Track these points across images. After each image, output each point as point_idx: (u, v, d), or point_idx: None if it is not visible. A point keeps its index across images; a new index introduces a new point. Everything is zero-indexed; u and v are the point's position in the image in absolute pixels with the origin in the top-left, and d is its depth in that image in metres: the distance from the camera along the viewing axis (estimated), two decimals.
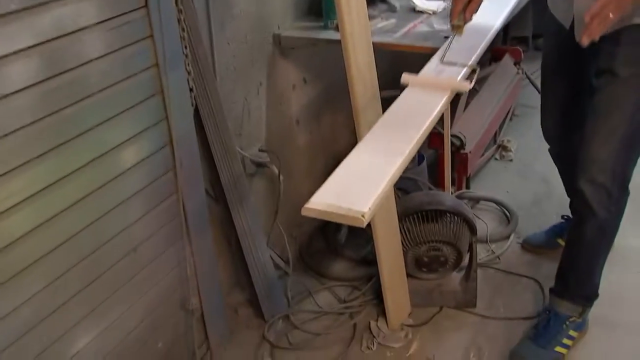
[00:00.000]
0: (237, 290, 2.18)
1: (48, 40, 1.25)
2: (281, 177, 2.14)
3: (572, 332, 1.91)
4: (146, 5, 1.47)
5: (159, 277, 1.68)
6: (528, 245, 2.36)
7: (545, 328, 1.92)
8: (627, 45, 1.62)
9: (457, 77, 1.55)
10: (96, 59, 1.36)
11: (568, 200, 2.11)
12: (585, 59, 1.75)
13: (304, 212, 1.13)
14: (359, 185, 1.16)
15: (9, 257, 1.26)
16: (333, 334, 2.02)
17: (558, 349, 1.89)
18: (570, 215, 2.29)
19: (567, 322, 1.92)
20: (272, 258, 2.20)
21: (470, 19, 1.59)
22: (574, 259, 1.90)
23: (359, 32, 1.71)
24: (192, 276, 1.79)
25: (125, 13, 1.42)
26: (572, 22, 1.73)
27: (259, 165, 2.12)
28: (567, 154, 2.02)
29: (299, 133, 2.44)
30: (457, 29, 1.61)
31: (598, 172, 1.71)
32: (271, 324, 2.04)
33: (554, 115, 2.06)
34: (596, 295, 1.93)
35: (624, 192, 1.80)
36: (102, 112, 1.41)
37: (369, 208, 1.09)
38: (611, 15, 1.38)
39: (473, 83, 1.51)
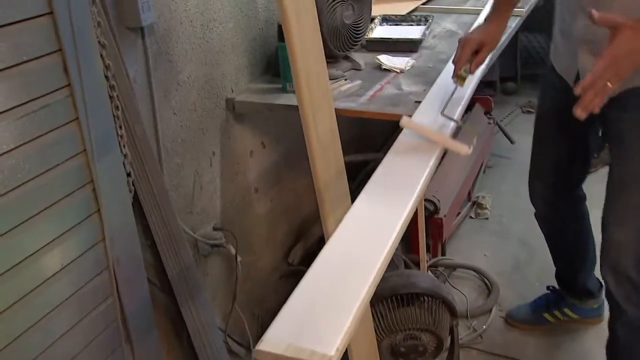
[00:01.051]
0: None
1: None
2: (239, 259, 1.92)
3: None
4: (69, 84, 1.25)
5: None
6: (512, 321, 2.17)
7: None
8: (635, 110, 1.45)
9: (449, 134, 1.46)
10: (4, 153, 1.13)
11: (551, 265, 1.93)
12: (589, 119, 1.57)
13: (255, 356, 0.90)
14: (325, 313, 0.94)
15: None
16: None
17: None
18: (556, 286, 2.11)
19: None
20: (231, 348, 1.96)
21: (474, 72, 1.55)
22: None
23: (319, 99, 1.52)
24: None
25: (42, 96, 1.19)
26: (577, 77, 1.56)
27: (214, 245, 1.89)
28: (556, 220, 1.84)
29: (258, 202, 2.22)
30: (460, 80, 1.55)
31: (619, 257, 1.52)
32: None
33: (546, 177, 1.89)
34: None
35: None
36: (13, 216, 1.17)
37: (337, 349, 0.87)
38: (610, 85, 1.18)
39: (472, 149, 1.40)
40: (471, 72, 1.53)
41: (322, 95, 1.54)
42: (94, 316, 1.40)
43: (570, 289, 2.10)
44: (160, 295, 1.68)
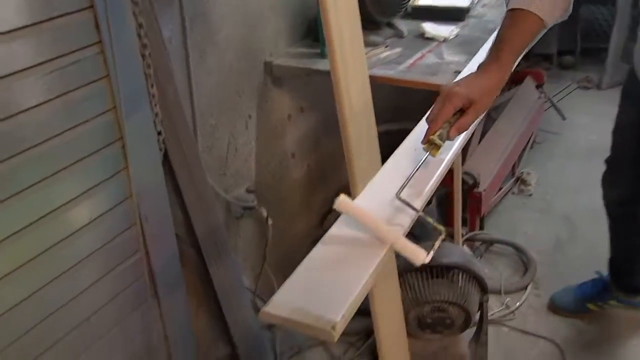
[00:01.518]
0: (221, 344, 1.96)
1: None
2: (270, 222, 1.93)
3: None
4: (100, 41, 1.26)
5: (119, 348, 1.47)
6: (554, 307, 2.10)
7: None
8: None
9: (403, 231, 1.04)
10: (32, 107, 1.15)
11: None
12: None
13: (261, 317, 0.91)
14: (335, 281, 0.93)
15: None
16: None
17: None
18: (603, 273, 2.03)
19: None
20: (260, 308, 1.99)
21: (453, 138, 1.12)
22: None
23: (353, 66, 1.48)
24: (160, 342, 1.58)
25: (73, 52, 1.21)
26: None
27: (246, 208, 1.91)
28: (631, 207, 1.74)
29: (294, 167, 2.22)
30: (432, 148, 1.09)
31: None
32: None
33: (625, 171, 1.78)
34: None
35: None
36: (42, 168, 1.20)
37: (343, 316, 0.86)
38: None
39: (430, 256, 0.97)
40: (449, 138, 1.10)
41: (356, 61, 1.50)
42: (122, 270, 1.44)
43: (621, 282, 2.01)
44: (189, 253, 1.70)
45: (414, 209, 1.05)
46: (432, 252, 0.96)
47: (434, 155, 1.11)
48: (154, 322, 1.54)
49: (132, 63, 1.34)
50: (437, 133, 1.09)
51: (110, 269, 1.41)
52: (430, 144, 1.09)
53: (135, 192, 1.39)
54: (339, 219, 1.08)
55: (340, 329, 0.84)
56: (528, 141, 2.92)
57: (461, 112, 1.11)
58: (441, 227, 1.02)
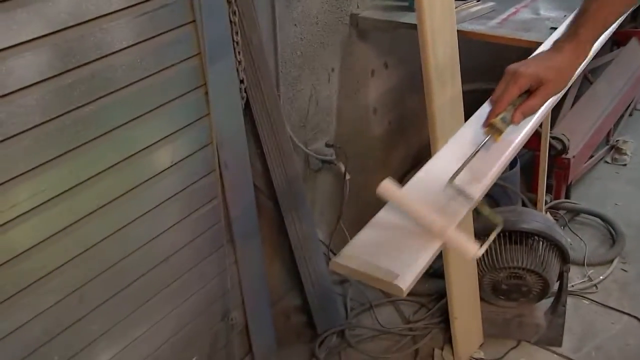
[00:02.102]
0: (292, 295, 1.99)
1: (62, 29, 1.08)
2: (347, 177, 1.91)
3: None
4: None
5: (195, 288, 1.52)
6: None
7: None
8: None
9: (455, 221, 0.92)
10: (122, 49, 1.18)
11: None
12: None
13: (331, 267, 0.91)
14: (408, 237, 0.91)
15: (16, 269, 1.13)
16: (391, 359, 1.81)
17: None
18: None
19: None
20: (330, 260, 2.00)
21: (518, 123, 0.99)
22: None
23: (440, 19, 1.43)
24: (234, 286, 1.62)
25: None
26: None
27: (325, 162, 1.90)
28: None
29: (375, 123, 2.19)
30: (494, 132, 0.99)
31: None
32: (324, 340, 1.85)
33: None
34: None
35: None
36: (129, 110, 1.24)
37: (412, 272, 0.85)
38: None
39: (483, 250, 0.88)
40: (513, 122, 0.98)
41: (444, 14, 1.45)
42: (200, 214, 1.48)
43: None
44: (267, 203, 1.73)
45: (469, 197, 0.95)
46: (484, 247, 0.88)
47: (496, 140, 1.00)
48: (229, 267, 1.59)
49: (217, 9, 1.35)
50: (500, 116, 0.97)
51: (190, 213, 1.45)
52: (492, 128, 0.98)
53: (216, 139, 1.42)
54: (430, 160, 1.02)
55: (408, 285, 0.83)
56: (628, 107, 2.74)
57: (529, 93, 0.99)
58: (499, 219, 0.95)
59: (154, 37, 1.23)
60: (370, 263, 0.87)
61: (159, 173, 1.34)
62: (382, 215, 0.96)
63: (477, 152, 1.00)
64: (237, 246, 1.60)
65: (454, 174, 0.97)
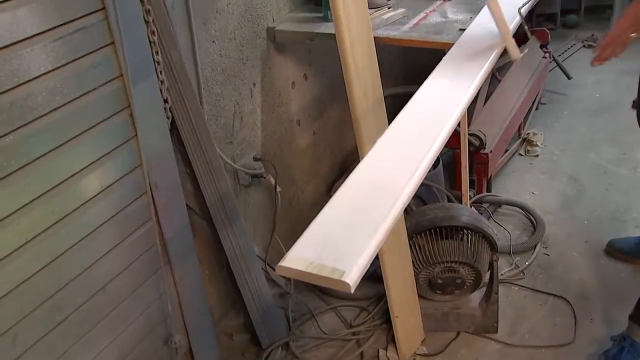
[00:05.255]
0: (234, 312, 1.98)
1: None
2: (278, 189, 1.93)
3: None
4: (104, 8, 1.25)
5: (135, 315, 1.48)
6: (611, 249, 2.13)
7: (616, 357, 1.70)
8: None
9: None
10: (41, 75, 1.15)
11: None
12: None
13: (278, 272, 0.91)
14: (350, 234, 0.94)
15: None
16: None
17: None
18: None
19: None
20: (271, 276, 2.00)
21: None
22: None
23: (357, 27, 1.47)
24: (175, 309, 1.60)
25: (78, 18, 1.20)
26: None
27: (254, 176, 1.91)
28: None
29: (300, 134, 2.22)
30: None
31: None
32: (269, 354, 1.84)
33: None
34: None
35: None
36: (52, 138, 1.20)
37: (358, 266, 0.87)
38: (634, 35, 1.36)
39: (523, 54, 1.42)
40: None
41: (360, 22, 1.49)
42: (135, 238, 1.45)
43: None
44: (200, 222, 1.71)
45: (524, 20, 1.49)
46: (524, 54, 1.42)
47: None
48: (168, 290, 1.56)
49: (136, 29, 1.33)
50: None
51: (124, 238, 1.42)
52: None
53: (145, 160, 1.40)
54: (361, 163, 1.10)
55: (355, 280, 0.85)
56: (534, 102, 2.90)
57: None
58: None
59: (72, 61, 1.21)
60: (315, 263, 0.88)
61: (89, 200, 1.31)
62: (326, 212, 0.98)
63: None
64: (175, 268, 1.58)
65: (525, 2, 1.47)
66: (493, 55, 1.43)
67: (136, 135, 1.38)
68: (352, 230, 0.94)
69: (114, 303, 1.42)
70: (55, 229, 1.24)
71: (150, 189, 1.44)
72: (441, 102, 1.28)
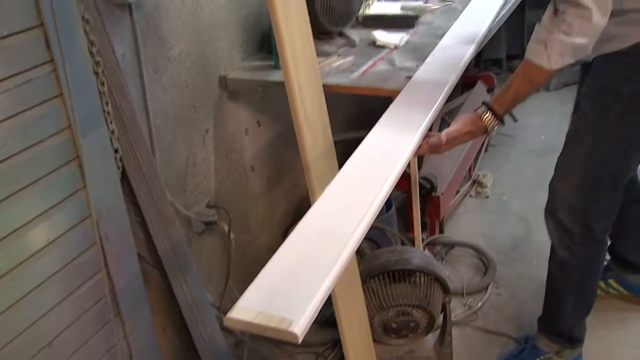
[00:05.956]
0: None
1: None
2: (232, 236, 1.92)
3: None
4: (52, 60, 1.25)
5: None
6: None
7: (517, 357, 1.84)
8: (594, 74, 1.58)
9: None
10: None
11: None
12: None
13: (226, 323, 0.91)
14: (298, 283, 0.94)
15: None
16: None
17: None
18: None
19: (542, 357, 1.84)
20: (223, 324, 1.97)
21: None
22: (545, 291, 1.87)
23: (306, 75, 1.51)
24: None
25: (25, 71, 1.20)
26: None
27: (207, 223, 1.90)
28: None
29: (254, 180, 2.23)
30: None
31: (558, 206, 1.69)
32: None
33: None
34: (575, 340, 1.84)
35: (590, 237, 1.68)
36: None
37: (306, 316, 0.87)
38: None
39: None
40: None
41: (309, 70, 1.53)
42: (84, 291, 1.42)
43: (619, 260, 2.10)
44: (153, 271, 1.69)
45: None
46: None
47: None
48: (119, 343, 1.52)
49: (85, 81, 1.33)
50: None
51: (72, 291, 1.39)
52: None
53: (95, 211, 1.38)
54: (310, 210, 1.11)
55: (303, 329, 0.85)
56: (482, 144, 2.99)
57: None
58: None
59: (19, 113, 1.20)
60: (264, 312, 0.89)
61: (36, 253, 1.28)
62: (276, 260, 0.99)
63: None
64: (125, 320, 1.54)
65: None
66: (439, 100, 1.49)
67: (85, 186, 1.36)
68: (300, 278, 0.95)
69: (61, 359, 1.38)
70: (0, 283, 1.21)
71: (100, 239, 1.42)
72: (389, 148, 1.32)
